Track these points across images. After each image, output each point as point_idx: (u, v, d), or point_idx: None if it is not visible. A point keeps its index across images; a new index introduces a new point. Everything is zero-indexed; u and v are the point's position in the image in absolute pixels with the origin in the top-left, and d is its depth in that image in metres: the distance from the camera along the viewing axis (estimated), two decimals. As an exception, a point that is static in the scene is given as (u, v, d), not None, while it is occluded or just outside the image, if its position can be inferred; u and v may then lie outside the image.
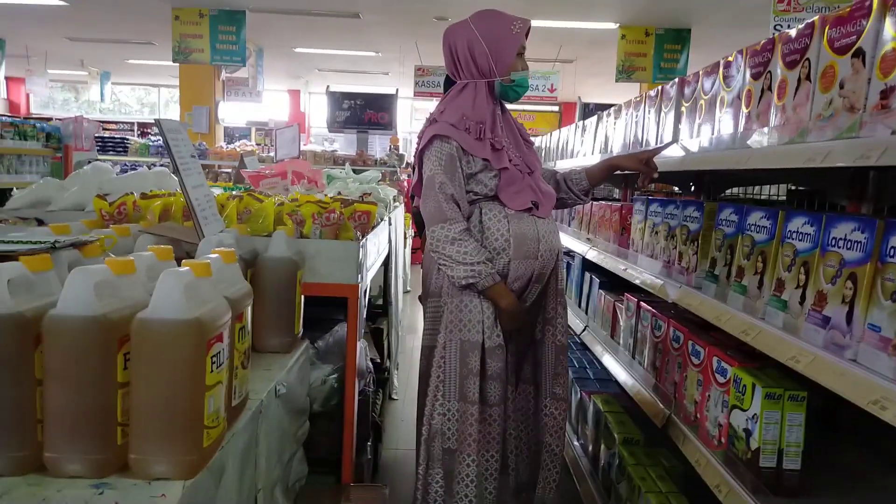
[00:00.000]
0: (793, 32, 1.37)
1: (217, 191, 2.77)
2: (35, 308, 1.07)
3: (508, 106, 2.15)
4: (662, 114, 2.23)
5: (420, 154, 2.00)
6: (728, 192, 2.68)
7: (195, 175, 1.91)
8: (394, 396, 3.71)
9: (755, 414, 1.37)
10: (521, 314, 1.98)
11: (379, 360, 3.09)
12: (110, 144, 8.93)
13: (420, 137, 2.03)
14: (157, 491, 1.02)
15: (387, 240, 3.26)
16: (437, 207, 1.92)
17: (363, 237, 2.25)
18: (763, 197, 2.56)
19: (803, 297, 1.25)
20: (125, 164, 8.72)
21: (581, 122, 3.49)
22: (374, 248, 2.63)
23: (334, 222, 2.21)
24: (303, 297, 1.98)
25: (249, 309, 1.46)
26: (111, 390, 1.07)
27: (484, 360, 1.95)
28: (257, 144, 11.72)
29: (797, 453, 1.36)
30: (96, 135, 7.92)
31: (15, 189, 4.88)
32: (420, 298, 2.55)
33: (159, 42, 10.39)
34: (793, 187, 2.30)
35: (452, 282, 1.96)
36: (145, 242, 1.78)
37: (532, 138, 2.24)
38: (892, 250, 1.02)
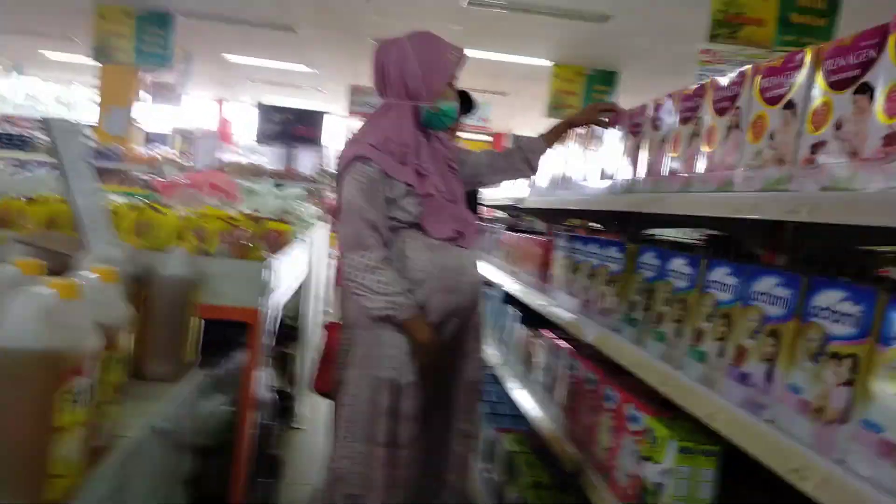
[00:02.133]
0: (724, 80, 1.35)
1: (121, 199, 2.55)
2: None
3: None
4: (589, 152, 2.20)
5: (340, 176, 1.88)
6: (649, 231, 2.69)
7: (85, 180, 1.72)
8: (297, 426, 3.51)
9: (669, 468, 1.31)
10: (437, 349, 1.88)
11: (286, 389, 2.91)
12: (13, 140, 8.32)
13: (340, 158, 1.92)
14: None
15: (306, 261, 3.11)
16: (354, 233, 1.81)
17: (271, 258, 2.10)
18: (683, 240, 2.57)
19: (723, 351, 1.20)
20: (33, 164, 8.15)
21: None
22: (289, 269, 2.48)
23: (242, 240, 2.06)
24: (202, 320, 1.81)
25: (129, 336, 1.30)
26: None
27: (396, 399, 1.83)
28: (180, 152, 11.24)
29: (708, 511, 1.31)
30: (-3, 129, 7.32)
31: None
32: (324, 326, 2.42)
33: (80, 38, 9.85)
34: (713, 232, 2.32)
35: (367, 313, 1.83)
36: (17, 253, 1.58)
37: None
38: (816, 309, 0.98)
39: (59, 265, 1.59)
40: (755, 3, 4.54)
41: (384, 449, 1.81)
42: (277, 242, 2.22)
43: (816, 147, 1.01)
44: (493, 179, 2.24)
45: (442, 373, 1.99)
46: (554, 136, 2.19)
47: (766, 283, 1.11)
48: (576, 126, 2.18)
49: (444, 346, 1.94)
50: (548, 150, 2.20)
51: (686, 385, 1.25)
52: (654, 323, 1.50)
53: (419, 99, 1.89)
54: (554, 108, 8.53)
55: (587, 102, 8.54)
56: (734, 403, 1.12)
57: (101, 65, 8.74)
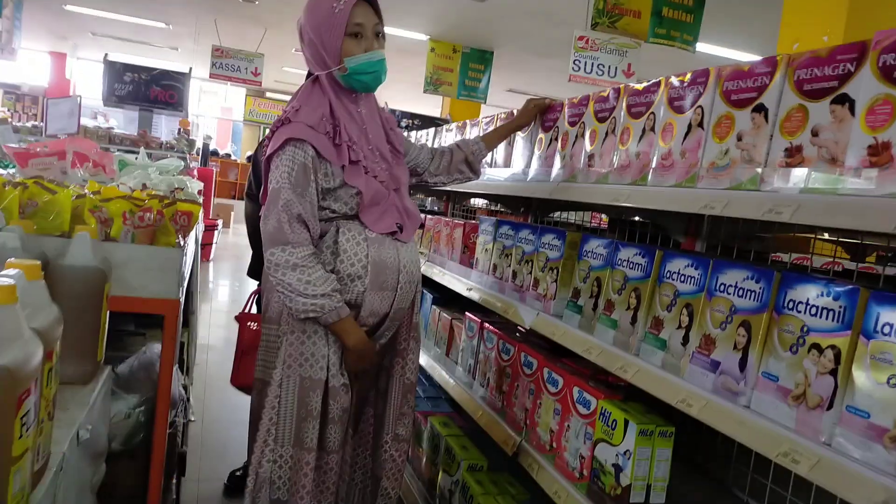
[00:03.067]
0: (674, 80, 1.41)
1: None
2: None
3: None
4: (515, 137, 2.22)
5: (268, 160, 1.69)
6: (554, 216, 2.78)
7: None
8: (191, 418, 3.28)
9: (628, 450, 1.38)
10: (370, 354, 1.76)
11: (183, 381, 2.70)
12: None
13: (268, 139, 1.73)
14: None
15: (195, 241, 2.88)
16: (277, 227, 1.62)
17: (184, 243, 1.92)
18: (587, 224, 2.69)
19: (686, 339, 1.27)
20: None
21: (415, 132, 3.42)
22: (191, 253, 2.29)
23: (150, 223, 1.86)
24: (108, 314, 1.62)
25: (59, 342, 1.13)
26: None
27: (326, 401, 1.72)
28: (8, 111, 9.95)
29: (663, 488, 1.39)
30: None
31: None
32: (235, 318, 2.26)
33: None
34: (617, 217, 2.44)
35: (291, 313, 1.70)
36: None
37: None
38: (791, 303, 1.06)
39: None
40: (633, -5, 4.79)
41: (312, 453, 1.70)
42: (187, 225, 2.02)
43: (791, 151, 1.08)
44: (432, 179, 2.11)
45: (376, 373, 1.92)
46: (496, 140, 2.17)
47: (734, 276, 1.18)
48: (521, 129, 2.15)
49: (378, 352, 1.84)
50: (487, 153, 2.17)
51: (652, 371, 1.31)
52: (604, 310, 1.55)
53: (328, 64, 1.70)
54: (430, 83, 8.52)
55: (463, 80, 8.62)
56: (704, 390, 1.19)
57: None
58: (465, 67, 8.60)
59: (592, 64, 5.73)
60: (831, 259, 1.71)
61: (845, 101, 1.00)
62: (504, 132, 2.18)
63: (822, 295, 1.01)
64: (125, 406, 1.78)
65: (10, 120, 7.28)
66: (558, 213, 2.80)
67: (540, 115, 2.09)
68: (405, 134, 2.36)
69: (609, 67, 5.94)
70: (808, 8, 3.91)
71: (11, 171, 2.57)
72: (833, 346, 0.98)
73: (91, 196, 1.86)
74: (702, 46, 5.43)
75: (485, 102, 8.77)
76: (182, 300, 2.04)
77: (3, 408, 0.78)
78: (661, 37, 4.84)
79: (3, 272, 1.06)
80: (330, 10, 1.65)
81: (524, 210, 2.78)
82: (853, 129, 0.98)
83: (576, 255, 1.73)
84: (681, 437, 1.91)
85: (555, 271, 1.79)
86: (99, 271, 1.55)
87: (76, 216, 1.79)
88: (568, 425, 1.62)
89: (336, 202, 1.71)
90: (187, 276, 2.30)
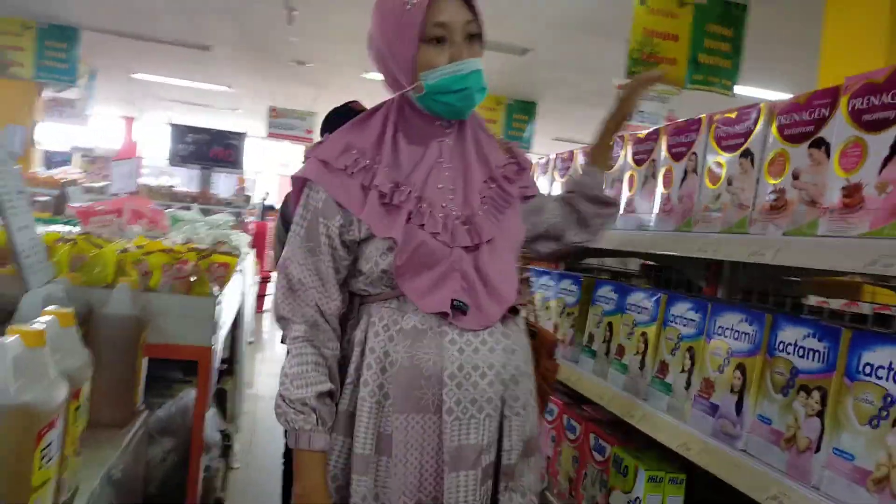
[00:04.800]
0: (673, 126, 1.45)
1: (41, 229, 2.39)
2: None
3: None
4: (546, 178, 2.28)
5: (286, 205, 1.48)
6: (585, 261, 2.80)
7: (23, 215, 1.61)
8: (235, 465, 3.37)
9: (638, 497, 1.37)
10: None
11: (224, 426, 2.80)
12: None
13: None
14: None
15: (240, 292, 3.02)
16: (279, 295, 1.21)
17: (220, 293, 2.03)
18: (619, 269, 2.69)
19: (689, 383, 1.28)
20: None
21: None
22: (229, 303, 2.41)
23: (187, 274, 1.98)
24: (146, 360, 1.73)
25: (88, 383, 1.23)
26: None
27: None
28: (82, 172, 10.63)
29: (674, 535, 1.37)
30: None
31: None
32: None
33: (-30, 49, 9.17)
34: (648, 262, 2.44)
35: None
36: (-52, 293, 1.46)
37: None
38: (782, 344, 1.06)
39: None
40: (668, 44, 4.85)
41: None
42: (223, 276, 2.15)
43: (778, 194, 1.10)
44: (577, 238, 1.37)
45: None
46: (602, 151, 1.41)
47: (730, 319, 1.19)
48: (626, 119, 1.42)
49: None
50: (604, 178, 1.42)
51: (657, 416, 1.31)
52: (615, 355, 1.56)
53: (400, 83, 1.18)
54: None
55: (507, 130, 8.79)
56: (704, 433, 1.19)
57: (-2, 79, 8.20)
58: (510, 118, 8.78)
59: (634, 111, 5.78)
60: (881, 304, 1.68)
61: (822, 144, 1.03)
62: (606, 136, 1.41)
63: (808, 336, 1.02)
64: (160, 450, 1.87)
65: (80, 181, 7.80)
66: (594, 258, 2.81)
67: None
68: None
69: (651, 114, 5.97)
70: (847, 46, 3.88)
71: (75, 228, 2.77)
72: (819, 388, 0.98)
73: (134, 250, 2.01)
74: (739, 88, 5.43)
75: (529, 151, 8.90)
76: (219, 348, 2.15)
77: (23, 441, 0.87)
78: (698, 83, 4.86)
79: (38, 319, 1.17)
80: (401, 8, 1.12)
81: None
82: (829, 171, 1.00)
83: (590, 300, 1.75)
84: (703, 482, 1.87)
85: (572, 317, 1.82)
86: (136, 319, 1.66)
87: (120, 268, 1.93)
88: (585, 473, 1.62)
89: (366, 263, 1.17)
90: (227, 324, 2.41)
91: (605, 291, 1.67)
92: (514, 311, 1.18)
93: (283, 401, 1.15)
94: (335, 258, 1.18)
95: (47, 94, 9.28)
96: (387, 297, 1.16)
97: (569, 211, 1.37)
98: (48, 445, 0.94)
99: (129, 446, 1.55)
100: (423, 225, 1.14)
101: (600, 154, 1.41)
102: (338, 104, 2.36)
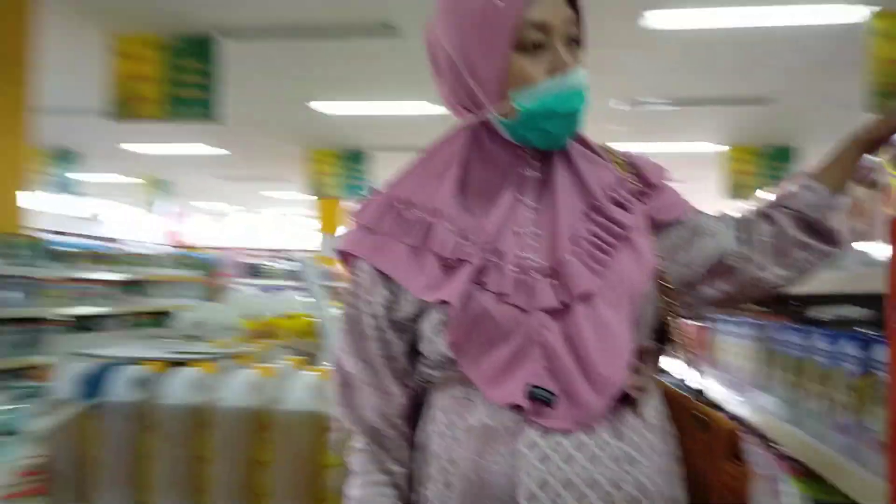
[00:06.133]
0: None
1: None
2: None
3: None
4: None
5: None
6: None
7: (324, 298, 2.33)
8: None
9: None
10: None
11: None
12: (248, 270, 10.09)
13: None
14: None
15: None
16: (333, 396, 0.97)
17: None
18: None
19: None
20: (265, 287, 9.79)
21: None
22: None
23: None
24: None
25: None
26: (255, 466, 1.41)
27: None
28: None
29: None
30: (236, 261, 9.03)
31: (173, 310, 5.70)
32: None
33: (293, 179, 11.71)
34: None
35: None
36: (284, 354, 2.18)
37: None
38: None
39: (310, 360, 2.17)
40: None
41: None
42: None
43: None
44: (759, 274, 0.96)
45: None
46: (842, 168, 0.98)
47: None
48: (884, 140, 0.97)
49: None
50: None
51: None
52: None
53: (478, 103, 0.89)
54: (735, 188, 8.54)
55: (767, 178, 8.41)
56: None
57: (317, 198, 10.38)
58: (769, 167, 8.46)
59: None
60: None
61: None
62: (852, 151, 0.97)
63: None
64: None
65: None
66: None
67: None
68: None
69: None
70: None
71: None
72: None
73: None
74: None
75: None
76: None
77: (318, 433, 1.42)
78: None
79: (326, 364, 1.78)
80: (488, 7, 0.84)
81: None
82: None
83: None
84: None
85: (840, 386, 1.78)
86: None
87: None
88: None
89: (425, 343, 0.89)
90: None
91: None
92: (627, 398, 0.84)
93: None
94: (385, 344, 0.90)
95: (347, 206, 11.42)
96: (452, 382, 0.87)
97: (762, 234, 0.96)
98: (330, 441, 1.50)
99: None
100: (485, 283, 0.84)
101: (836, 169, 0.98)
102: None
